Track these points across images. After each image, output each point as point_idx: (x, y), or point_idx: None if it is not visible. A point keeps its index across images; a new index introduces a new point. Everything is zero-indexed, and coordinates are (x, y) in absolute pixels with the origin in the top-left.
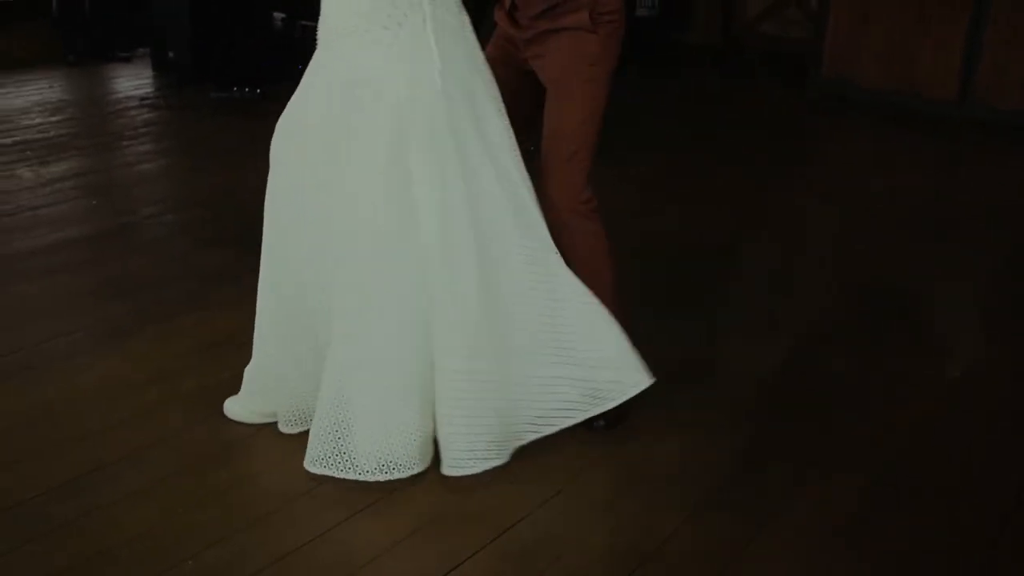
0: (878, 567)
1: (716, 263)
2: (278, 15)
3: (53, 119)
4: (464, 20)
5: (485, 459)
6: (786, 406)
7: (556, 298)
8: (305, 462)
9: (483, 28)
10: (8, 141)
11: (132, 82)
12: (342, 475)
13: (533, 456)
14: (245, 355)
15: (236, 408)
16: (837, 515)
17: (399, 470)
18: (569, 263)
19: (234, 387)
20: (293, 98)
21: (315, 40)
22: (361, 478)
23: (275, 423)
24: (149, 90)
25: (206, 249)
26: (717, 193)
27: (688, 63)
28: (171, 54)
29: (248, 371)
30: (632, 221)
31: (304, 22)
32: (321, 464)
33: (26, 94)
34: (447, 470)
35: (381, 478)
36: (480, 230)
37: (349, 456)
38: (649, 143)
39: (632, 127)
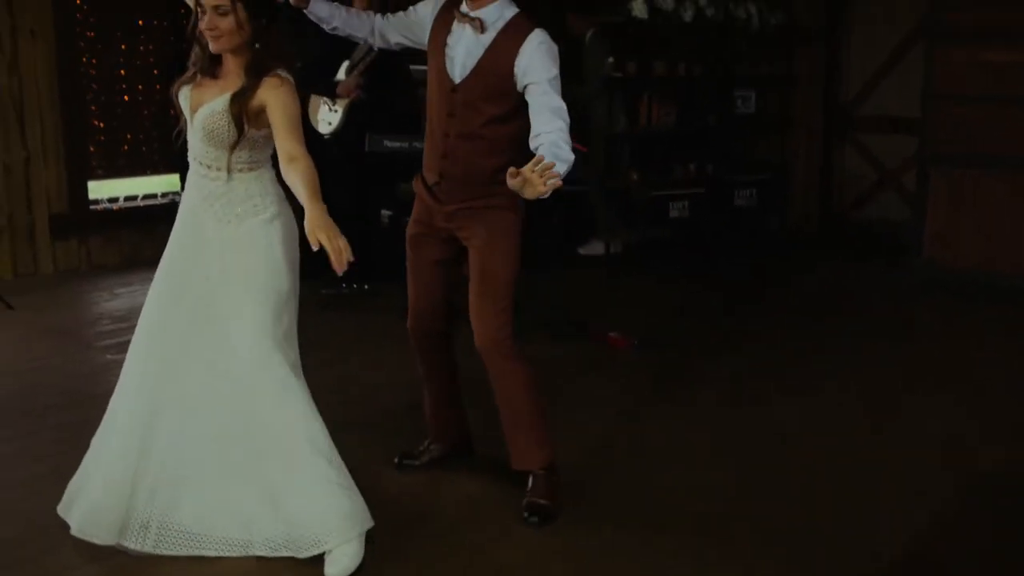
0: None
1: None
2: (385, 212)
3: None
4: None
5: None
6: None
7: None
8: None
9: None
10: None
11: None
12: None
13: None
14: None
15: None
16: None
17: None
18: (497, 396)
19: None
20: None
21: None
22: None
23: None
24: None
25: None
26: (832, 382)
27: (786, 251)
28: None
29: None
30: (738, 411)
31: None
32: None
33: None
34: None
35: None
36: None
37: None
38: (752, 333)
39: (733, 316)
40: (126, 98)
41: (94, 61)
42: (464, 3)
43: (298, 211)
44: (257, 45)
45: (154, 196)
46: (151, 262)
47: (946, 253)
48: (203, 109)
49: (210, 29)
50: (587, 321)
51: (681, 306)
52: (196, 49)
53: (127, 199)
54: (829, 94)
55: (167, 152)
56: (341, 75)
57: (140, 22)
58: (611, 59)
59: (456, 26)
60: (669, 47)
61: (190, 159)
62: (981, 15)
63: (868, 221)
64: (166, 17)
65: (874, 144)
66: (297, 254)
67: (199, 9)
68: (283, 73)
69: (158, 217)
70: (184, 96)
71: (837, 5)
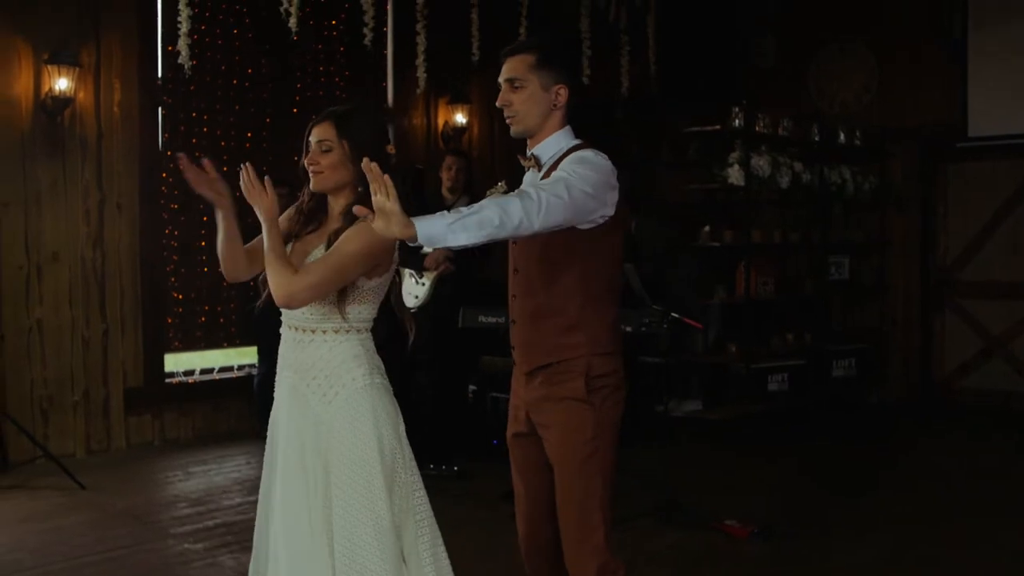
0: None
1: None
2: (471, 387)
3: (252, 498)
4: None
5: None
6: None
7: None
8: None
9: None
10: (210, 523)
11: None
12: None
13: None
14: None
15: None
16: None
17: None
18: None
19: None
20: None
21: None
22: None
23: None
24: None
25: None
26: None
27: (889, 424)
28: None
29: None
30: None
31: (495, 394)
32: None
33: (227, 471)
34: None
35: None
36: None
37: None
38: (873, 518)
39: (851, 498)
40: (205, 269)
41: (176, 232)
42: (528, 149)
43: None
44: (361, 188)
45: (230, 369)
46: (225, 437)
47: None
48: (303, 261)
49: (311, 164)
50: (695, 505)
51: (789, 486)
52: (303, 193)
53: (203, 372)
54: (926, 259)
55: (245, 324)
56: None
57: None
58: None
59: (531, 172)
60: (765, 213)
61: (284, 328)
62: None
63: (974, 391)
64: None
65: (977, 309)
66: (402, 425)
67: (305, 147)
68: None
69: (233, 391)
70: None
71: (932, 170)
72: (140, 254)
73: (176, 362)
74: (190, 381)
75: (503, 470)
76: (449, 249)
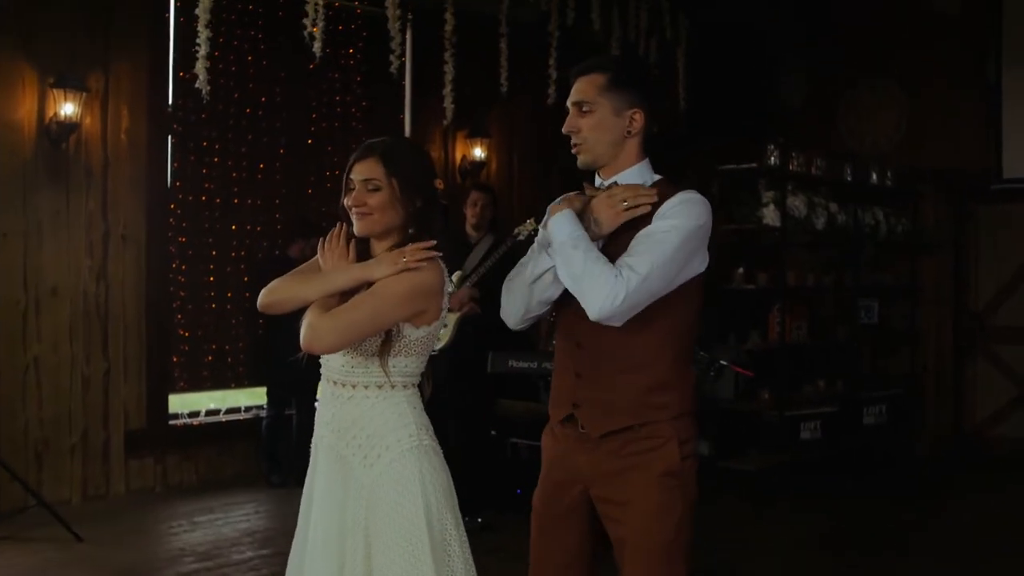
0: None
1: None
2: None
3: (264, 552)
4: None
5: None
6: None
7: None
8: None
9: None
10: None
11: None
12: None
13: None
14: None
15: None
16: None
17: None
18: None
19: None
20: None
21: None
22: None
23: None
24: None
25: None
26: None
27: (924, 473)
28: None
29: None
30: None
31: (515, 439)
32: None
33: (235, 520)
34: None
35: None
36: None
37: None
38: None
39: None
40: (213, 306)
41: (183, 267)
42: (594, 180)
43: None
44: (411, 230)
45: (237, 410)
46: (230, 483)
47: None
48: None
49: (357, 206)
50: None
51: (831, 541)
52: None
53: (208, 413)
54: (958, 303)
55: (254, 364)
56: (452, 286)
57: (233, 227)
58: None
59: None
60: (797, 255)
61: (323, 382)
62: None
63: (1008, 440)
64: (259, 222)
65: (1010, 355)
66: (454, 493)
67: (344, 186)
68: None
69: (240, 433)
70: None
71: (964, 212)
72: (145, 289)
73: (181, 403)
74: (195, 423)
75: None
76: (475, 288)
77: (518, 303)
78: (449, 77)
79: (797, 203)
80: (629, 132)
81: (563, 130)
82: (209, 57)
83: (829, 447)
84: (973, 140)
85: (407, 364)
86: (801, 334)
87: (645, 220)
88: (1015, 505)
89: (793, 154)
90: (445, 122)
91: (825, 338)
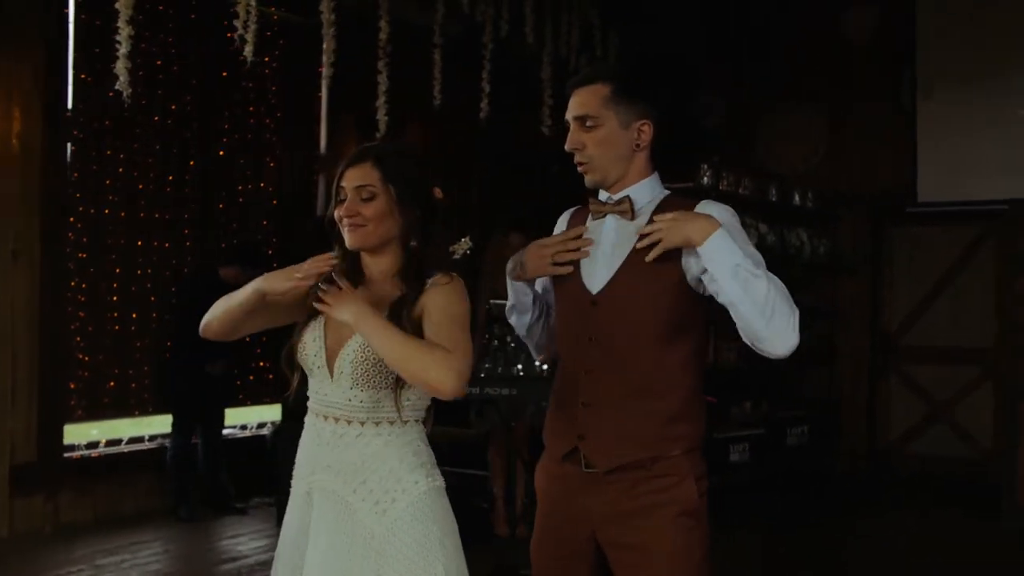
0: None
1: None
2: None
3: None
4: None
5: None
6: None
7: None
8: None
9: None
10: None
11: (257, 541)
12: None
13: None
14: None
15: None
16: None
17: None
18: None
19: None
20: None
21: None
22: None
23: None
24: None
25: None
26: None
27: (843, 493)
28: None
29: None
30: None
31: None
32: None
33: (143, 561)
34: None
35: None
36: None
37: None
38: None
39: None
40: (116, 328)
41: (83, 286)
42: (600, 196)
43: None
44: (413, 243)
45: (140, 440)
46: (132, 520)
47: None
48: (350, 344)
49: (351, 216)
50: None
51: (764, 562)
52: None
53: (109, 443)
54: (874, 324)
55: (161, 389)
56: None
57: (139, 243)
58: None
59: (592, 223)
60: None
61: (313, 418)
62: None
63: (919, 457)
64: (167, 238)
65: (921, 375)
66: (457, 531)
67: (333, 195)
68: (452, 274)
69: (143, 465)
70: (313, 336)
71: (880, 234)
72: (39, 310)
73: (77, 433)
74: (93, 455)
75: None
76: None
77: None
78: (383, 88)
79: None
80: (638, 146)
81: (566, 147)
82: (113, 60)
83: (756, 469)
84: (890, 164)
85: (418, 396)
86: (731, 356)
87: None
88: (930, 522)
89: (724, 174)
90: (378, 134)
91: (752, 361)
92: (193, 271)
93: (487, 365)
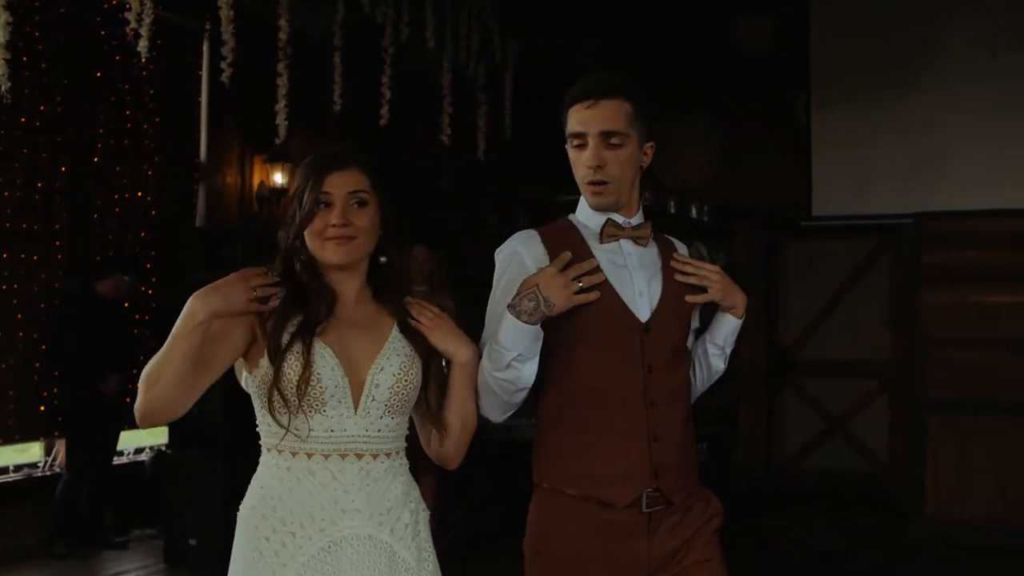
0: None
1: None
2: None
3: None
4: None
5: None
6: None
7: None
8: None
9: None
10: None
11: None
12: None
13: None
14: None
15: None
16: None
17: None
18: None
19: None
20: None
21: None
22: None
23: None
24: None
25: None
26: None
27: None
28: (193, 542)
29: None
30: None
31: None
32: None
33: None
34: None
35: None
36: None
37: None
38: None
39: None
40: None
41: None
42: (611, 216)
43: None
44: (383, 258)
45: (4, 471)
46: (2, 560)
47: (951, 508)
48: (382, 368)
49: (343, 226)
50: None
51: None
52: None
53: None
54: (770, 338)
55: (28, 415)
56: None
57: (3, 255)
58: None
59: (605, 247)
60: None
61: (323, 460)
62: (967, 257)
63: (816, 471)
64: (35, 250)
65: (817, 389)
66: None
67: (310, 203)
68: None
69: (9, 497)
70: (328, 365)
71: (775, 248)
72: None
73: None
74: None
75: None
76: None
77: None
78: (283, 92)
79: None
80: (641, 167)
81: (587, 164)
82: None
83: None
84: (785, 177)
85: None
86: None
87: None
88: (832, 535)
89: None
90: (278, 140)
91: None
92: (68, 288)
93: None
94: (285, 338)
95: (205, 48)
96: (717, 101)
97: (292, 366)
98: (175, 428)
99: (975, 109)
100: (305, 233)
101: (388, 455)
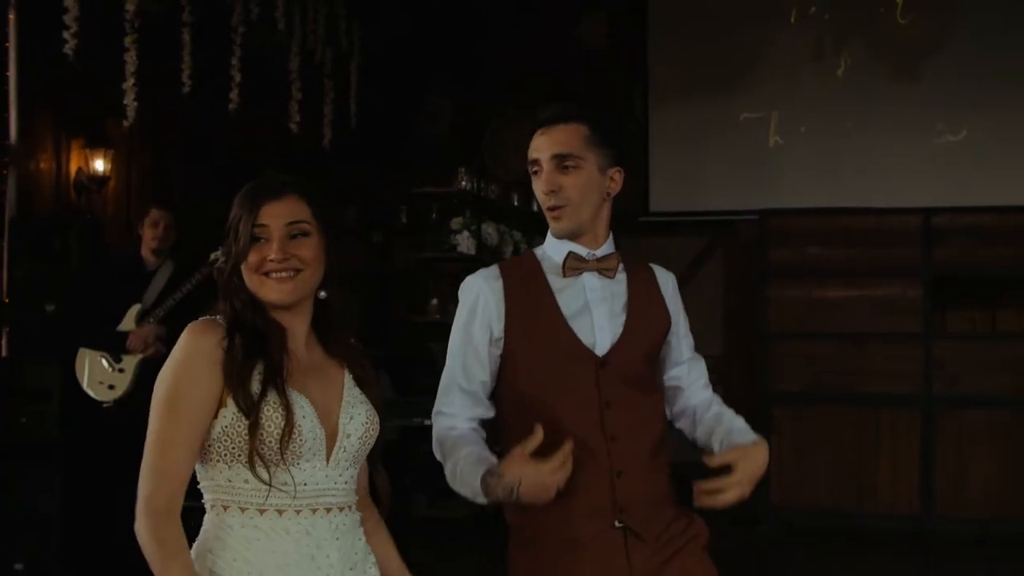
0: None
1: None
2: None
3: None
4: None
5: None
6: None
7: None
8: None
9: None
10: None
11: None
12: None
13: None
14: None
15: None
16: None
17: None
18: None
19: None
20: None
21: None
22: None
23: None
24: None
25: None
26: None
27: None
28: (19, 566)
29: None
30: None
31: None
32: None
33: None
34: None
35: None
36: None
37: None
38: None
39: None
40: None
41: None
42: (573, 250)
43: None
44: (322, 293)
45: None
46: None
47: (796, 496)
48: (351, 417)
49: (283, 259)
50: None
51: None
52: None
53: None
54: None
55: None
56: (130, 323)
57: None
58: None
59: (566, 282)
60: None
61: (294, 518)
62: (809, 253)
63: None
64: None
65: None
66: None
67: (244, 237)
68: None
69: None
70: (308, 419)
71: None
72: None
73: None
74: None
75: None
76: (161, 325)
77: None
78: (131, 69)
79: (490, 231)
80: (608, 194)
81: (542, 189)
82: None
83: None
84: (624, 173)
85: None
86: None
87: (654, 302)
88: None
89: (479, 179)
90: (126, 123)
91: None
92: None
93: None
94: (255, 387)
95: (12, 17)
96: (556, 95)
97: (271, 418)
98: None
99: (805, 109)
100: (242, 269)
101: (351, 508)
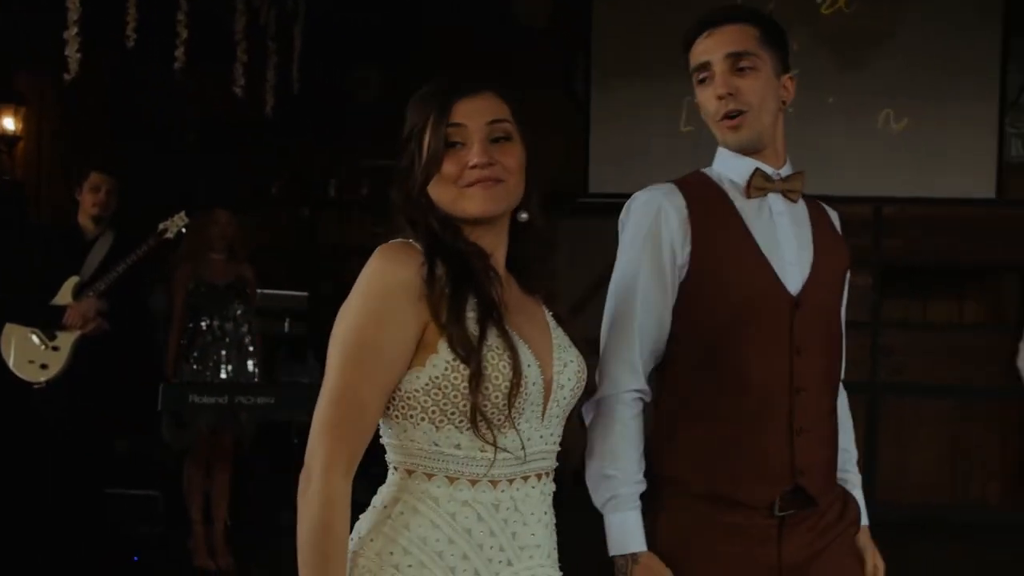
0: None
1: None
2: None
3: None
4: None
5: None
6: None
7: None
8: None
9: None
10: None
11: None
12: None
13: None
14: None
15: None
16: None
17: None
18: None
19: None
20: None
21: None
22: None
23: None
24: None
25: None
26: None
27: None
28: None
29: None
30: None
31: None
32: None
33: None
34: None
35: None
36: None
37: None
38: None
39: None
40: None
41: None
42: (760, 166)
43: None
44: (524, 215)
45: None
46: None
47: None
48: (567, 362)
49: (487, 166)
50: None
51: None
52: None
53: None
54: None
55: None
56: (67, 296)
57: None
58: None
59: (752, 204)
60: None
61: (506, 487)
62: None
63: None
64: None
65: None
66: None
67: (435, 141)
68: None
69: None
70: (523, 350)
71: (551, 224)
72: None
73: None
74: None
75: None
76: (102, 299)
77: None
78: (73, 17)
79: None
80: (783, 103)
81: (716, 93)
82: None
83: None
84: (561, 153)
85: None
86: None
87: (835, 239)
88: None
89: None
90: (68, 76)
91: None
92: None
93: (195, 367)
94: (472, 327)
95: None
96: (494, 72)
97: (496, 367)
98: None
99: None
100: (430, 185)
101: (550, 473)
